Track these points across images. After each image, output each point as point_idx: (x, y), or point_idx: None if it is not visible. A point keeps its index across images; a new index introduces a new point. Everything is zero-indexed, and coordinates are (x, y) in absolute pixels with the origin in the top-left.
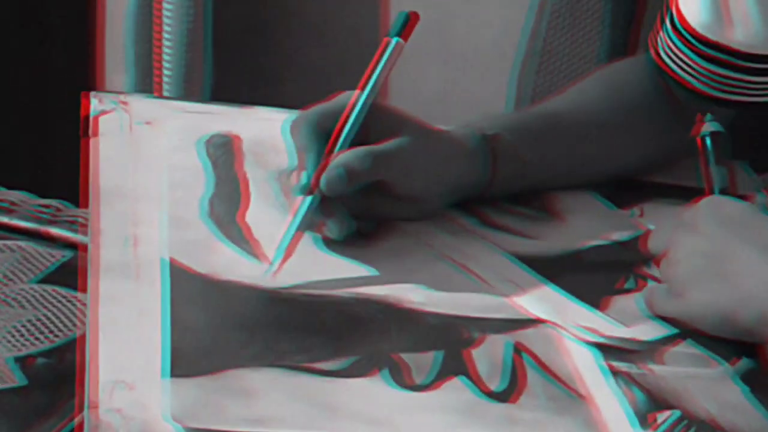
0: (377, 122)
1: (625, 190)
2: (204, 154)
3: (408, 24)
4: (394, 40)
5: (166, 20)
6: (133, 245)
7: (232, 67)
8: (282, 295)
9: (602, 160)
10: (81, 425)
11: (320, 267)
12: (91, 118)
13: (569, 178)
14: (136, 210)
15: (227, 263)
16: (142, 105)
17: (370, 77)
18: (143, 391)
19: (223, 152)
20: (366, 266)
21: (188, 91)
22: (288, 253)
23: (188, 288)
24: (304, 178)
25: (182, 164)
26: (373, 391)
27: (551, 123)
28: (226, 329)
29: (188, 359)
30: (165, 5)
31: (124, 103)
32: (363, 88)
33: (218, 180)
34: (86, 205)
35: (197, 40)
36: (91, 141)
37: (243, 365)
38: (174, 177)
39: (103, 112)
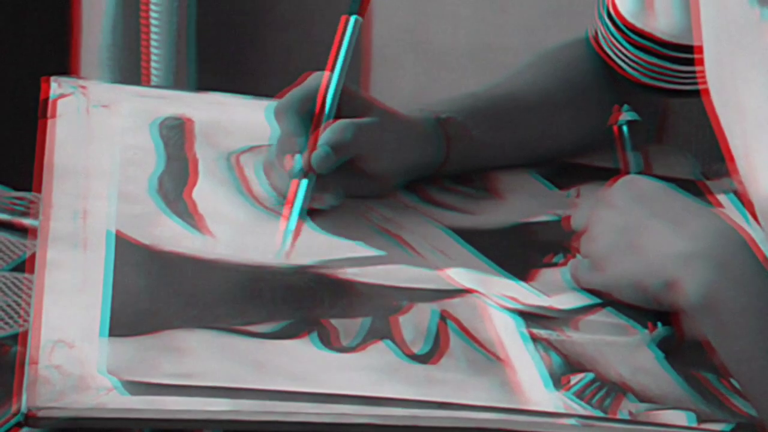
0: (346, 105)
1: (566, 171)
2: (157, 135)
3: (364, 1)
4: (353, 18)
5: (153, 14)
6: (83, 218)
7: (217, 61)
8: (221, 265)
9: (550, 138)
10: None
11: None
12: (50, 101)
13: (518, 157)
14: (88, 186)
15: (171, 236)
16: (99, 89)
17: (337, 56)
18: (82, 349)
19: (176, 133)
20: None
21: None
22: (296, 234)
23: (132, 258)
24: (298, 162)
25: (135, 144)
26: (300, 352)
27: (500, 104)
28: (164, 295)
29: (127, 321)
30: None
31: (83, 87)
32: (333, 68)
33: (169, 159)
34: (40, 185)
35: (182, 34)
36: (49, 122)
37: (178, 327)
38: (126, 156)
39: (62, 96)
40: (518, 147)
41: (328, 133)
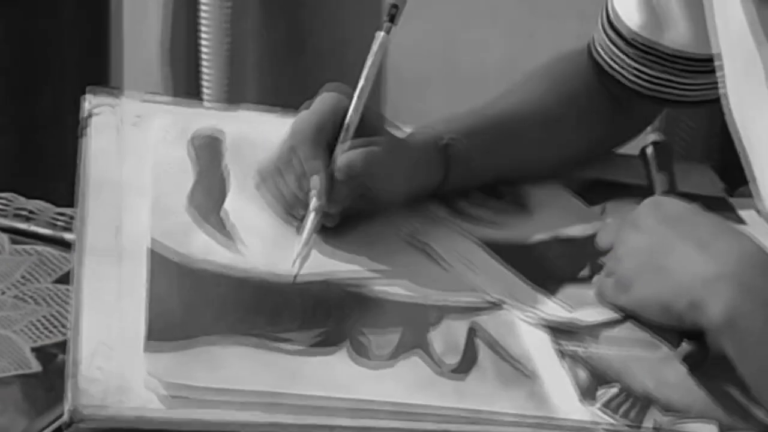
0: (359, 125)
1: (595, 188)
2: (188, 148)
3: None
4: (380, 36)
5: (203, 30)
6: (118, 229)
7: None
8: (252, 277)
9: (548, 152)
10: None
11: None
12: (83, 116)
13: (519, 173)
14: (123, 198)
15: (204, 248)
16: (132, 104)
17: (360, 78)
18: (122, 354)
19: (207, 148)
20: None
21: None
22: (304, 259)
23: (166, 269)
24: (315, 195)
25: (167, 158)
26: (333, 363)
27: (500, 124)
28: (198, 305)
29: (163, 329)
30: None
31: (116, 101)
32: (355, 91)
33: (200, 173)
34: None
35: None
36: (84, 137)
37: (212, 335)
38: (159, 169)
39: (96, 111)
40: (519, 162)
41: (344, 165)
